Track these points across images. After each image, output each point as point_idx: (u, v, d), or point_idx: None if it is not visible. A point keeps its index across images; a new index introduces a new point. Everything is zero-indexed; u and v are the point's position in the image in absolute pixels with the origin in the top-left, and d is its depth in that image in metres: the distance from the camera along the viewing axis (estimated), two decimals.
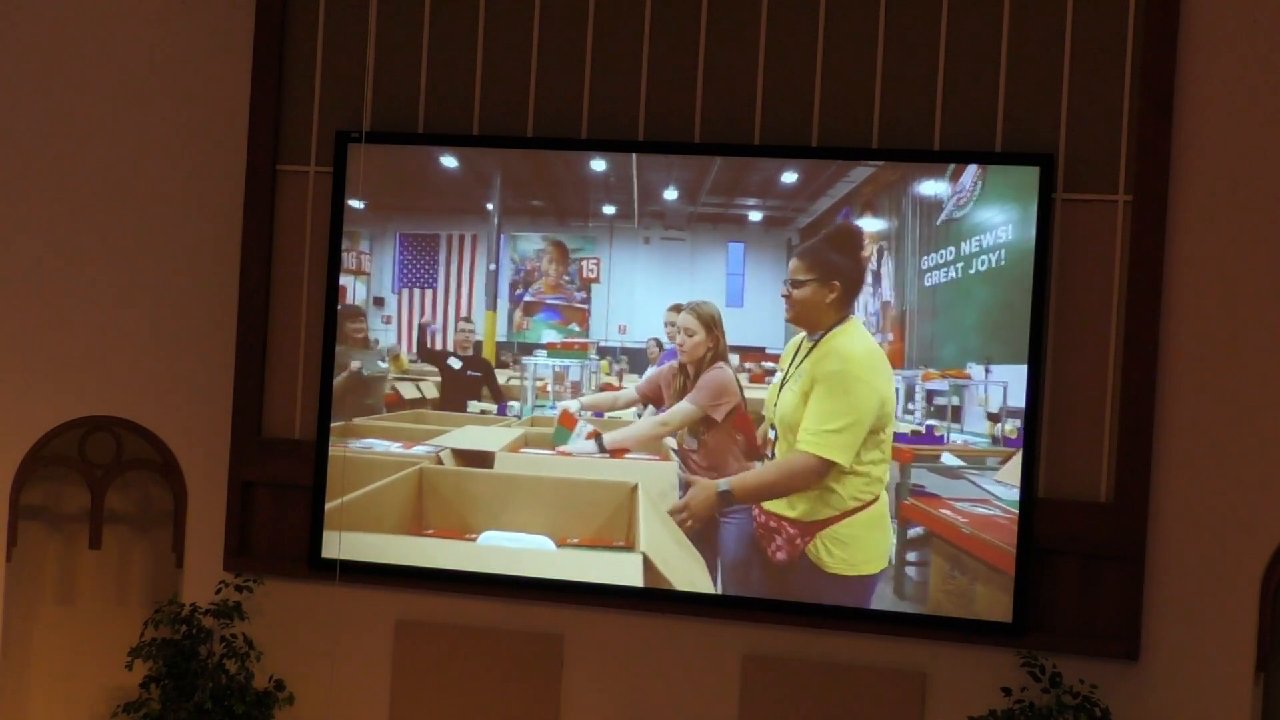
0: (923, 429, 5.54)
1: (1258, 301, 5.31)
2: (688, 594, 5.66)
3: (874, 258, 5.60)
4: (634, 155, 5.74)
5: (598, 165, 5.78)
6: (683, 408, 5.73)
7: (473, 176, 5.88)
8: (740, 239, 5.71)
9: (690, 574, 5.66)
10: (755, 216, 5.70)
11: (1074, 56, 5.46)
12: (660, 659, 5.74)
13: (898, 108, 5.59)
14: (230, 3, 6.07)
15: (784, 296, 5.63)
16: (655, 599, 5.68)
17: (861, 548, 5.56)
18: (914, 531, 5.53)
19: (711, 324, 5.70)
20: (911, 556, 5.53)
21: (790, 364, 5.63)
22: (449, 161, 5.88)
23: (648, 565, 5.63)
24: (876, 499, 5.55)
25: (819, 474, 5.56)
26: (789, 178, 5.66)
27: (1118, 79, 5.43)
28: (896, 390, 5.55)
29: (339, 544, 5.88)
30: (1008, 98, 5.52)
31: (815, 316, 5.61)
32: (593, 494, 5.72)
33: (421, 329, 5.92)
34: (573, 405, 5.83)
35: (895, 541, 5.53)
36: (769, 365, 5.68)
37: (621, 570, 5.66)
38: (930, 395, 5.53)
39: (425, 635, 5.91)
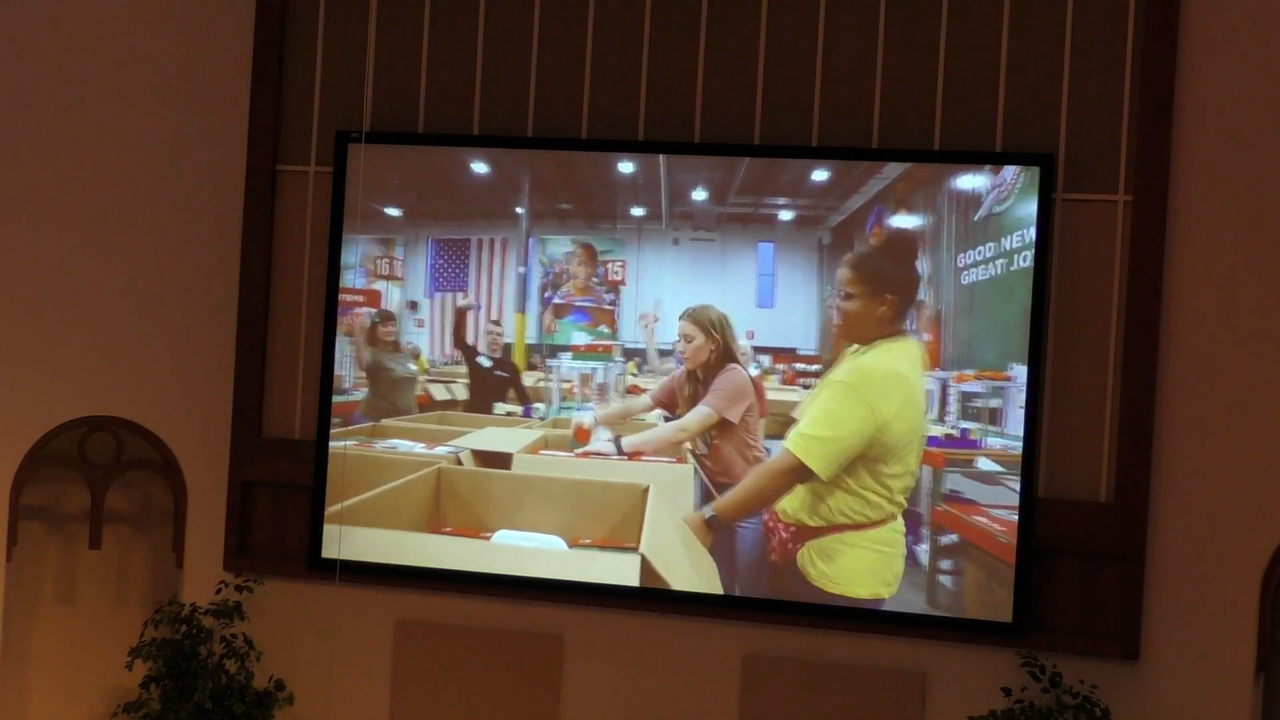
0: (956, 432, 5.47)
1: (1258, 301, 5.31)
2: (688, 594, 5.66)
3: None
4: (661, 156, 5.68)
5: (625, 167, 5.75)
6: (700, 411, 5.70)
7: (502, 180, 5.87)
8: (770, 239, 5.64)
9: (693, 577, 5.65)
10: (786, 216, 5.64)
11: (1074, 56, 5.46)
12: (660, 659, 5.74)
13: (898, 108, 5.59)
14: (230, 3, 6.07)
15: (834, 309, 5.52)
16: (655, 599, 5.68)
17: (847, 567, 5.50)
18: (946, 539, 5.46)
19: (709, 327, 5.68)
20: (945, 564, 5.46)
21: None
22: (479, 166, 5.87)
23: (645, 566, 5.63)
24: (876, 524, 5.47)
25: (795, 473, 5.53)
26: (819, 176, 5.60)
27: (1118, 79, 5.43)
28: (930, 393, 5.45)
29: (339, 543, 5.88)
30: (1008, 98, 5.51)
31: (866, 330, 5.50)
32: (605, 495, 5.71)
33: (458, 312, 5.90)
34: (586, 419, 5.81)
35: (904, 572, 5.46)
36: (800, 367, 5.61)
37: (618, 571, 5.65)
38: (965, 398, 5.43)
39: (425, 635, 5.91)
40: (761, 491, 5.59)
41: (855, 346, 5.52)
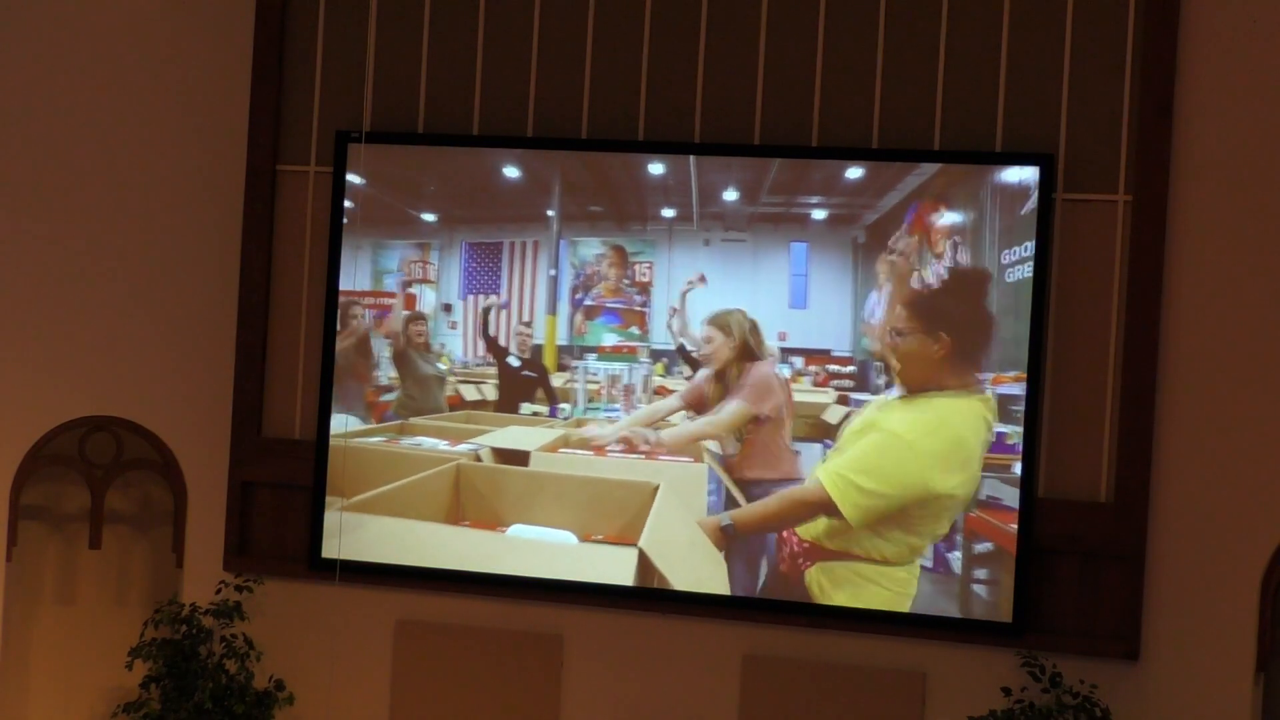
0: (992, 437, 5.39)
1: (1258, 301, 5.31)
2: (688, 594, 5.65)
3: (947, 254, 5.40)
4: (691, 158, 5.66)
5: (655, 168, 5.73)
6: (732, 405, 5.66)
7: (533, 183, 5.85)
8: (803, 238, 5.57)
9: (695, 575, 5.64)
10: (819, 215, 5.58)
11: (1074, 56, 5.46)
12: (660, 659, 5.74)
13: (898, 108, 5.59)
14: (230, 3, 6.07)
15: (889, 347, 5.42)
16: (656, 599, 5.68)
17: (856, 599, 5.47)
18: (981, 547, 5.39)
19: (727, 328, 5.66)
20: (980, 574, 5.40)
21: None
22: (511, 170, 5.86)
23: (643, 561, 5.62)
24: (894, 563, 5.42)
25: (824, 507, 5.48)
26: (853, 174, 5.54)
27: (1118, 79, 5.43)
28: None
29: (339, 538, 5.88)
30: (1008, 98, 5.52)
31: (924, 373, 5.36)
32: (616, 493, 5.71)
33: (483, 312, 5.90)
34: (600, 438, 5.80)
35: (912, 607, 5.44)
36: (834, 369, 5.53)
37: (616, 564, 5.64)
38: (1004, 400, 5.32)
39: (425, 635, 5.91)
40: (784, 515, 5.55)
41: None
